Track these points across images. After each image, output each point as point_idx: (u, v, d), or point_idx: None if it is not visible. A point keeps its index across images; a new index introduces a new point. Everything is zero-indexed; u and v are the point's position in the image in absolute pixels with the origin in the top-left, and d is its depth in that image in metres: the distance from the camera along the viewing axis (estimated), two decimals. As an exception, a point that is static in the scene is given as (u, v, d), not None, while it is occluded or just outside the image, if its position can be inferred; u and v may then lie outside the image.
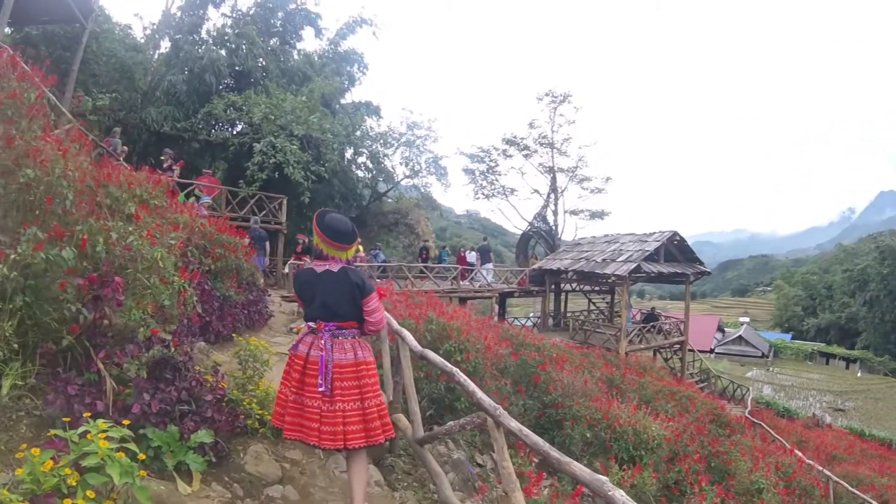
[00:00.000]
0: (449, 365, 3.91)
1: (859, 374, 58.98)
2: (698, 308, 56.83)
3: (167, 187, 8.48)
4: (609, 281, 22.84)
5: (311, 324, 3.55)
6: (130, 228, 4.05)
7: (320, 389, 3.33)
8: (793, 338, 75.72)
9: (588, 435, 7.49)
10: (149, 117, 20.01)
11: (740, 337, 65.73)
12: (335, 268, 3.51)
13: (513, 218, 55.57)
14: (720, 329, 68.53)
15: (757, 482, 8.34)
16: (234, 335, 6.67)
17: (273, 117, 19.21)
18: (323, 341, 3.42)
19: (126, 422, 2.99)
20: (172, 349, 3.88)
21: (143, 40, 22.84)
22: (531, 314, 42.35)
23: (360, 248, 18.34)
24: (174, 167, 14.95)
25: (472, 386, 3.52)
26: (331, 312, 3.49)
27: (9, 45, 18.74)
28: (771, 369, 57.91)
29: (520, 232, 31.18)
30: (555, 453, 2.57)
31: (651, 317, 23.62)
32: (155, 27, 22.85)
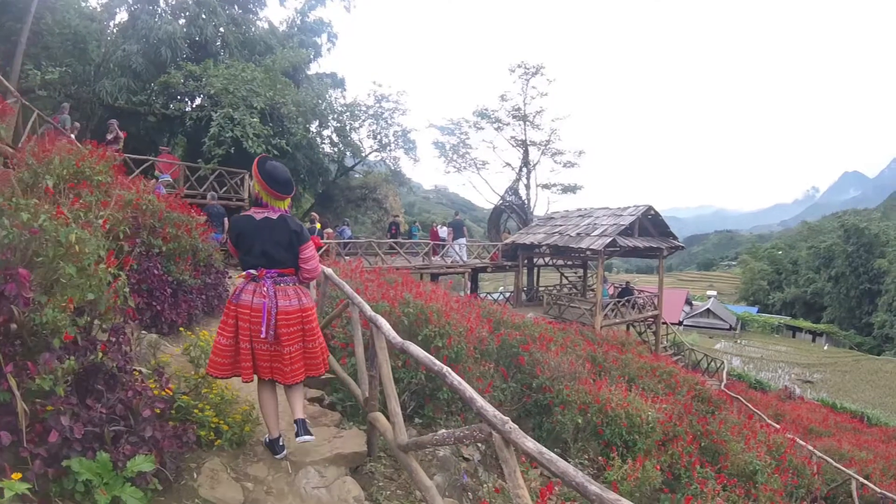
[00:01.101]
0: (438, 363, 3.25)
1: (826, 348, 60.15)
2: (665, 281, 57.38)
3: (113, 162, 7.71)
4: (583, 255, 22.46)
5: (252, 271, 3.63)
6: (47, 206, 3.28)
7: (262, 336, 3.50)
8: (759, 311, 77.13)
9: (580, 420, 6.99)
10: (102, 90, 18.88)
11: (708, 310, 66.42)
12: (274, 215, 3.65)
13: (484, 192, 55.02)
14: (688, 302, 69.32)
15: (751, 463, 7.99)
16: (182, 328, 5.99)
17: (231, 88, 18.17)
18: (265, 288, 3.55)
19: (24, 470, 2.28)
20: (100, 354, 3.17)
21: (99, 9, 21.44)
22: (501, 288, 41.85)
23: (319, 225, 17.58)
24: (119, 138, 13.92)
25: (469, 391, 2.90)
26: (271, 260, 3.62)
27: None
28: (739, 341, 58.53)
29: (489, 207, 30.69)
30: (594, 487, 1.98)
31: (626, 291, 23.29)
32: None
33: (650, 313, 23.42)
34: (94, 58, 19.36)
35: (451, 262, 20.22)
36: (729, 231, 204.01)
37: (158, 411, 3.29)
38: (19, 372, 2.76)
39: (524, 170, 29.79)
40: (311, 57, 25.54)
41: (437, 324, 5.94)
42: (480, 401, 2.77)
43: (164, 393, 3.57)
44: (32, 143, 8.33)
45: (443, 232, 21.47)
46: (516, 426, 2.53)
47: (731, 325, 64.29)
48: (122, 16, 21.95)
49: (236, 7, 23.16)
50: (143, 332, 6.02)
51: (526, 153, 29.80)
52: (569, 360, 8.24)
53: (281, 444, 3.92)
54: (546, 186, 30.39)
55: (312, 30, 25.99)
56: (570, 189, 30.57)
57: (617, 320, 21.21)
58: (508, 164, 30.60)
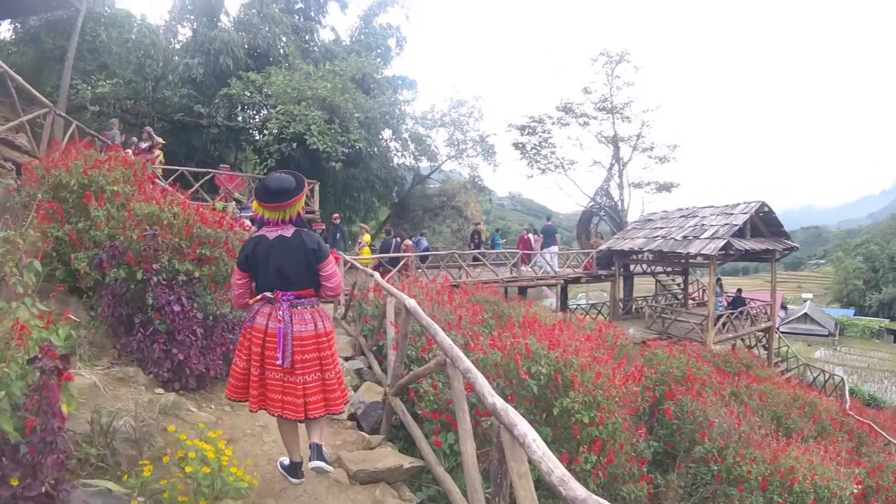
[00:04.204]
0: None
1: (932, 354, 53.07)
2: (752, 284, 51.54)
3: (134, 169, 6.29)
4: (689, 261, 19.93)
5: (267, 294, 3.30)
6: None
7: (278, 363, 3.21)
8: (855, 314, 69.70)
9: (761, 505, 4.88)
10: (161, 102, 18.13)
11: (805, 314, 60.50)
12: (288, 232, 3.33)
13: (573, 194, 51.32)
14: (783, 307, 63.33)
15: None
16: (216, 378, 4.33)
17: (293, 85, 17.31)
18: (281, 312, 3.25)
19: None
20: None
21: (161, 26, 20.93)
22: (581, 295, 39.02)
23: (369, 237, 16.18)
24: (154, 148, 12.66)
25: None
26: (287, 281, 3.30)
27: (10, 37, 17.81)
28: (838, 349, 52.84)
29: (568, 212, 28.39)
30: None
31: (739, 301, 20.40)
32: (172, 15, 20.90)
33: (763, 325, 20.48)
34: (154, 72, 18.63)
35: (542, 272, 18.10)
36: (816, 227, 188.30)
37: None
38: None
39: (615, 167, 27.28)
40: (380, 62, 24.34)
41: (583, 389, 3.93)
42: None
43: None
44: (56, 151, 7.09)
45: (533, 239, 19.38)
46: None
47: (829, 331, 58.21)
48: (184, 33, 21.46)
49: (298, 16, 22.46)
50: (159, 390, 4.45)
51: (616, 149, 27.24)
52: (727, 410, 6.07)
53: (301, 471, 3.55)
54: (638, 185, 27.61)
55: (379, 34, 24.94)
56: (664, 187, 27.73)
57: (730, 335, 18.49)
58: (598, 163, 28.05)
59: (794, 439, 6.57)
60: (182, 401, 4.42)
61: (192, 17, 20.80)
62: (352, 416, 4.85)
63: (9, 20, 17.79)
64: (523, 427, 1.96)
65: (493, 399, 2.25)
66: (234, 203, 13.74)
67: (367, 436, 4.36)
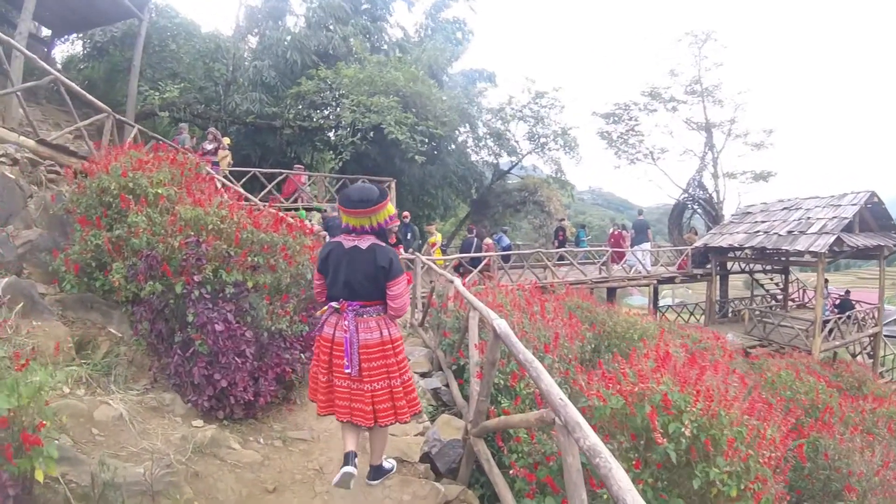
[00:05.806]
0: None
1: None
2: (843, 281, 46.34)
3: (185, 170, 5.74)
4: (786, 259, 18.09)
5: (333, 304, 3.31)
6: None
7: (346, 371, 3.22)
8: None
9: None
10: (232, 103, 18.14)
11: None
12: (364, 244, 3.28)
13: (664, 185, 48.09)
14: None
15: None
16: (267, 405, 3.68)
17: (363, 76, 16.92)
18: (346, 322, 3.24)
19: None
20: None
21: (230, 33, 21.17)
22: (664, 293, 36.69)
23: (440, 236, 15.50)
24: (220, 149, 12.31)
25: None
26: (353, 292, 3.27)
27: (80, 53, 18.40)
28: None
29: (651, 205, 26.48)
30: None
31: (846, 304, 18.19)
32: (238, 23, 21.08)
33: (871, 331, 18.29)
34: (223, 76, 18.78)
35: (633, 271, 16.77)
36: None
37: None
38: None
39: (708, 156, 25.10)
40: (451, 56, 23.65)
41: (734, 454, 2.79)
42: None
43: None
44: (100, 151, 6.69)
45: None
46: None
47: (935, 334, 52.11)
48: (252, 40, 21.63)
49: (364, 17, 22.06)
50: (198, 422, 3.85)
51: (709, 135, 25.06)
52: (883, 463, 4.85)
53: (354, 458, 3.24)
54: (732, 175, 25.36)
55: (445, 28, 24.21)
56: (761, 177, 25.23)
57: (837, 342, 16.41)
58: (689, 150, 25.91)
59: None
60: (223, 435, 3.74)
61: (259, 21, 20.92)
62: (424, 457, 4.02)
63: (77, 36, 18.37)
64: None
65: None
66: (314, 211, 13.33)
67: (441, 488, 3.51)
